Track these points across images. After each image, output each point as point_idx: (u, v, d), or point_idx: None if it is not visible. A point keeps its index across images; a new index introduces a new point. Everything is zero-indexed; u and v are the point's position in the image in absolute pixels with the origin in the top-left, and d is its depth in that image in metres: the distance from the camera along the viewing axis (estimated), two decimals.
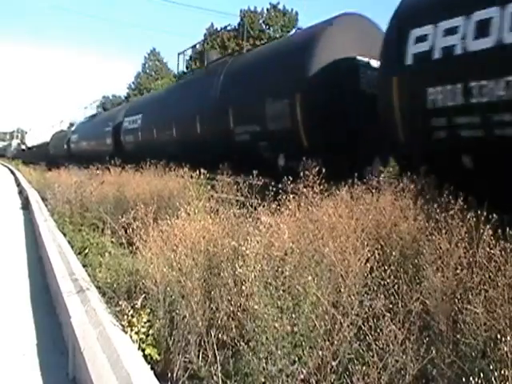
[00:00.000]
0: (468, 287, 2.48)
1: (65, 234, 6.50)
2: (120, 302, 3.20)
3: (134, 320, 2.97)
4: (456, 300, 2.42)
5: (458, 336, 2.32)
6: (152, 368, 2.58)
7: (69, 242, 5.91)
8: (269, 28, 35.19)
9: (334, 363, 2.28)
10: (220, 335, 2.61)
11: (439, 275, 2.55)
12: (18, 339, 3.81)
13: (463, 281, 2.53)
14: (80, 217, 7.63)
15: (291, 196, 3.88)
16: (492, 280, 2.38)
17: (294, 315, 2.45)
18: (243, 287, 2.57)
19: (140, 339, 2.91)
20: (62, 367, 3.27)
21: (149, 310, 3.08)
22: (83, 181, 9.94)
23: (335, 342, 2.29)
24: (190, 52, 18.36)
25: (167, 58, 52.02)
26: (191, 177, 6.85)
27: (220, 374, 2.43)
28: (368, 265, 2.64)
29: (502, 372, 1.92)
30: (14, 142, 67.50)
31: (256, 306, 2.43)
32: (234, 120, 9.18)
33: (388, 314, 2.31)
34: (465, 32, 4.53)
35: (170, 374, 2.76)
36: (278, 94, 7.85)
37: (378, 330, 2.24)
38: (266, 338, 2.36)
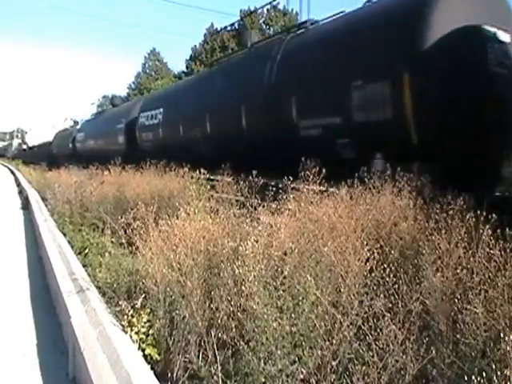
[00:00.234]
0: (468, 287, 2.48)
1: (65, 234, 6.50)
2: (120, 302, 3.20)
3: (134, 320, 2.97)
4: (456, 300, 2.42)
5: (458, 336, 2.32)
6: (152, 368, 2.58)
7: (69, 242, 5.91)
8: (269, 28, 35.22)
9: (334, 363, 2.28)
10: (220, 335, 2.62)
11: (439, 275, 2.55)
12: (18, 339, 3.81)
13: (463, 281, 2.53)
14: (80, 217, 7.63)
15: (291, 196, 3.89)
16: (492, 280, 2.38)
17: (293, 315, 2.45)
18: (243, 287, 2.57)
19: (140, 339, 2.91)
20: (61, 367, 3.27)
21: (149, 310, 3.08)
22: (83, 181, 9.94)
23: (335, 342, 2.29)
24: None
25: (167, 58, 52.11)
26: (191, 177, 6.86)
27: (220, 374, 2.43)
28: (368, 265, 2.64)
29: (502, 372, 1.92)
30: (15, 142, 66.88)
31: (256, 306, 2.44)
32: (298, 111, 7.32)
33: (388, 314, 2.31)
34: None
35: (169, 374, 2.76)
36: (372, 75, 6.03)
37: (378, 330, 2.24)
38: (266, 338, 2.36)
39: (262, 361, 2.32)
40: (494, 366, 1.98)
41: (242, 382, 2.43)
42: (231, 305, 2.68)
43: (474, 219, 2.94)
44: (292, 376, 2.31)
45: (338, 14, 7.88)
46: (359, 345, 2.33)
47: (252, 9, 34.93)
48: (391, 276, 2.58)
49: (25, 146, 55.43)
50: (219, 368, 2.44)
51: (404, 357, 2.16)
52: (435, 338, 2.43)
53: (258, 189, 5.21)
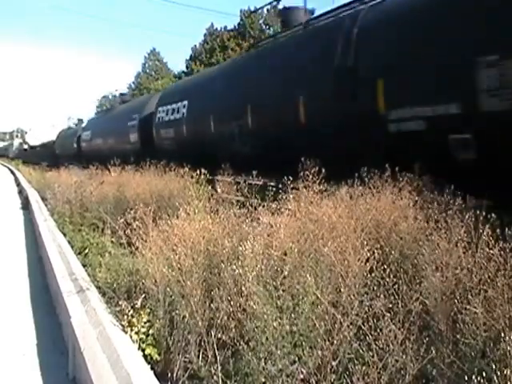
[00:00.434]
0: (467, 287, 2.48)
1: (65, 234, 6.50)
2: (120, 302, 3.20)
3: (134, 320, 2.97)
4: (455, 300, 2.42)
5: (458, 336, 2.32)
6: (152, 368, 2.58)
7: (69, 242, 5.91)
8: (269, 28, 35.23)
9: (334, 363, 2.28)
10: (220, 335, 2.62)
11: (438, 275, 2.56)
12: (18, 339, 3.81)
13: (462, 281, 2.54)
14: (80, 217, 7.63)
15: (291, 196, 3.88)
16: (491, 280, 2.38)
17: (293, 315, 2.45)
18: (243, 287, 2.57)
19: (140, 339, 2.91)
20: (62, 367, 3.28)
21: (149, 310, 3.08)
22: (83, 181, 9.94)
23: (335, 342, 2.29)
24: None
25: (167, 57, 52.12)
26: (191, 177, 6.85)
27: (220, 374, 2.43)
28: (368, 265, 2.64)
29: (502, 372, 1.92)
30: (16, 142, 65.73)
31: (255, 306, 2.44)
32: (387, 98, 5.60)
33: (388, 314, 2.31)
34: None
35: (169, 374, 2.76)
36: None
37: (378, 330, 2.24)
38: (266, 338, 2.36)
39: (262, 361, 2.32)
40: (493, 366, 1.98)
41: (241, 382, 2.43)
42: (231, 305, 2.68)
43: (473, 219, 2.95)
44: (292, 376, 2.31)
45: None
46: (359, 345, 2.33)
47: (252, 9, 35.00)
48: (391, 276, 2.58)
49: (26, 146, 54.32)
50: (219, 368, 2.44)
51: (404, 357, 2.16)
52: (435, 337, 2.43)
53: (257, 189, 5.19)
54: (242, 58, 11.51)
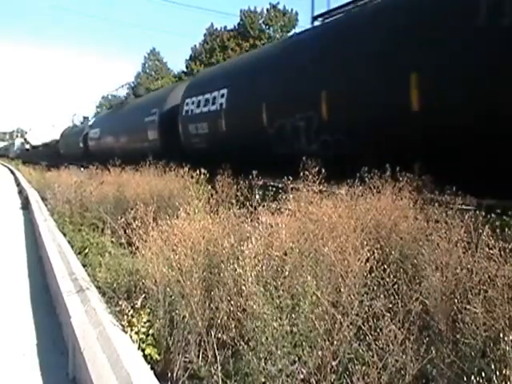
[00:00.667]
0: (467, 287, 2.48)
1: (65, 234, 6.50)
2: (120, 302, 3.20)
3: (134, 320, 2.97)
4: (455, 300, 2.42)
5: (458, 336, 2.32)
6: (152, 368, 2.58)
7: (69, 242, 5.91)
8: (269, 28, 35.23)
9: (334, 363, 2.28)
10: (220, 335, 2.62)
11: (438, 275, 2.56)
12: (18, 339, 3.81)
13: (462, 281, 2.54)
14: (80, 217, 7.63)
15: (291, 196, 3.88)
16: (491, 280, 2.38)
17: (293, 315, 2.45)
18: (243, 287, 2.57)
19: (140, 339, 2.91)
20: (61, 367, 3.27)
21: (149, 310, 3.08)
22: (83, 181, 9.95)
23: (335, 342, 2.29)
24: None
25: (167, 57, 52.10)
26: (192, 177, 6.84)
27: (220, 374, 2.43)
28: (368, 265, 2.64)
29: (502, 372, 1.92)
30: (18, 141, 64.16)
31: (255, 306, 2.44)
32: None
33: (388, 314, 2.31)
34: None
35: (169, 374, 2.76)
36: None
37: (378, 330, 2.24)
38: (266, 338, 2.36)
39: (262, 361, 2.32)
40: (493, 366, 1.98)
41: (241, 382, 2.43)
42: (231, 305, 2.68)
43: (473, 219, 2.95)
44: (292, 376, 2.31)
45: None
46: (359, 345, 2.33)
47: (252, 9, 35.01)
48: (391, 276, 2.58)
49: (28, 146, 52.82)
50: (219, 368, 2.44)
51: (404, 357, 2.16)
52: (435, 337, 2.43)
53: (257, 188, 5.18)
54: (310, 34, 8.21)
